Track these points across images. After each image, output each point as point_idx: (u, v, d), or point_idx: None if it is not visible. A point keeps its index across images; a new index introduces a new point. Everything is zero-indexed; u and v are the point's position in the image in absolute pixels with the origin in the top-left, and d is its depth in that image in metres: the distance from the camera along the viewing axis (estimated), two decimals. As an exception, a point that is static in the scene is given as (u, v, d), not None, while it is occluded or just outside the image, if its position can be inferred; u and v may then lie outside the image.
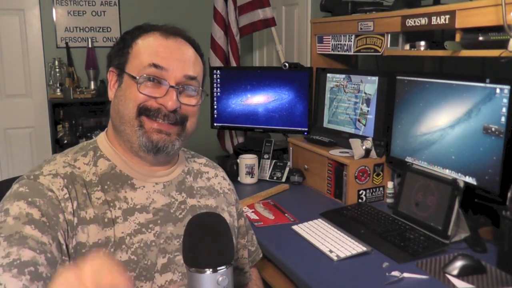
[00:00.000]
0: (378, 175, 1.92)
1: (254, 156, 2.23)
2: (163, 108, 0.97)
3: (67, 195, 0.92)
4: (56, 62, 3.39)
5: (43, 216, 0.87)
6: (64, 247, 0.89)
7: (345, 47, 2.10)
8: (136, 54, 1.00)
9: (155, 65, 0.97)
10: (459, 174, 1.57)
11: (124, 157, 1.02)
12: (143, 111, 0.97)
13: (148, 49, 0.99)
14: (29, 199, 0.88)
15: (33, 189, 0.90)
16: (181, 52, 1.01)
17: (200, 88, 1.04)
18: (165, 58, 0.98)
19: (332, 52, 2.20)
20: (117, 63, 1.02)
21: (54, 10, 3.44)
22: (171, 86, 0.98)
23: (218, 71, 2.56)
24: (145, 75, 0.97)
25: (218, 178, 1.19)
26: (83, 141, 1.12)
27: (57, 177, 0.94)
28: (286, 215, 1.81)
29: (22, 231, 0.83)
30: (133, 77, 0.97)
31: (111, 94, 1.04)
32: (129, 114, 0.97)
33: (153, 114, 0.97)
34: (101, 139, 1.06)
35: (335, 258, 1.42)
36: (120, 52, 1.02)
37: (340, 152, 2.01)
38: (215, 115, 2.57)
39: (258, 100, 2.46)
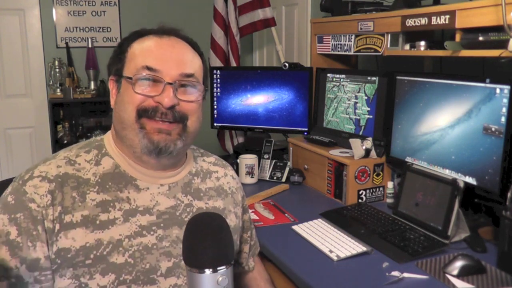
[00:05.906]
0: (378, 175, 1.92)
1: (254, 156, 2.23)
2: (160, 106, 0.96)
3: (50, 201, 0.93)
4: (56, 62, 3.40)
5: (19, 235, 0.91)
6: (42, 260, 0.92)
7: (345, 47, 2.10)
8: (131, 57, 1.00)
9: (148, 68, 0.97)
10: (459, 174, 1.57)
11: (129, 158, 1.02)
12: (142, 113, 0.97)
13: (142, 51, 0.99)
14: (12, 216, 0.92)
15: (17, 201, 0.93)
16: (175, 51, 1.00)
17: (200, 84, 1.02)
18: (159, 59, 0.98)
19: (332, 52, 2.20)
20: (115, 69, 1.03)
21: (54, 10, 3.45)
22: (168, 83, 0.97)
23: (218, 71, 2.56)
24: (140, 75, 0.97)
25: (227, 177, 1.19)
26: (83, 141, 1.13)
27: (44, 181, 0.95)
28: (286, 215, 1.81)
29: None
30: (129, 78, 0.98)
31: (112, 102, 1.04)
32: (129, 118, 0.97)
33: (151, 113, 0.96)
34: (108, 138, 1.06)
35: (335, 258, 1.42)
36: (117, 58, 1.03)
37: (340, 152, 2.00)
38: (215, 115, 2.57)
39: (258, 100, 2.46)
